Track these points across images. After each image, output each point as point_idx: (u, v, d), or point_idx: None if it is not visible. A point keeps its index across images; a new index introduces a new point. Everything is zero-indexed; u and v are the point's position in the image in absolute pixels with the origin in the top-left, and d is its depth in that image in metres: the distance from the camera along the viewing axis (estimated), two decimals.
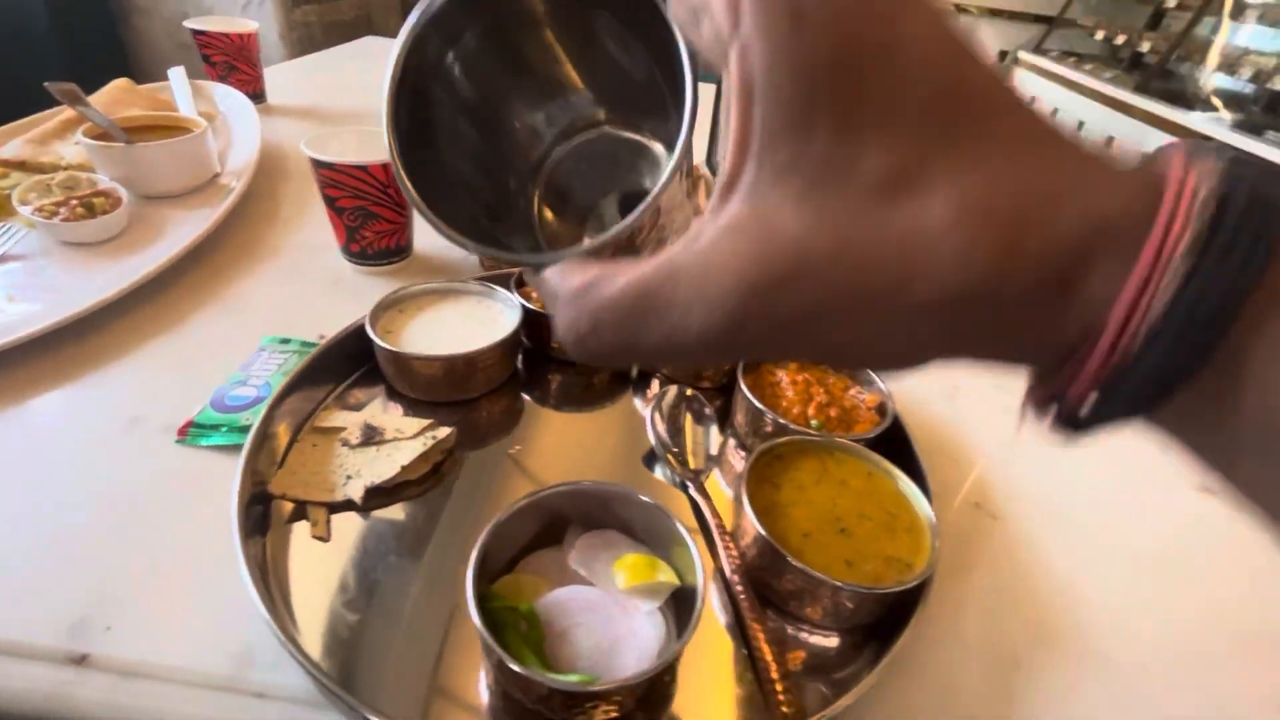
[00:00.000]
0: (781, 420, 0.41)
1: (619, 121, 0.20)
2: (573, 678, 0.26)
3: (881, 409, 0.44)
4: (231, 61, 0.88)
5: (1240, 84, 2.64)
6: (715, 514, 0.38)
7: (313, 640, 0.31)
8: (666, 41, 0.14)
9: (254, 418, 0.41)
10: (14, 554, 0.34)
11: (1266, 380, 0.11)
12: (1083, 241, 0.12)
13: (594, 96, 0.20)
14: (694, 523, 0.39)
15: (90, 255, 0.56)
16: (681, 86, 0.14)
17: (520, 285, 0.51)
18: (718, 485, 0.42)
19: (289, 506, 0.37)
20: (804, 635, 0.34)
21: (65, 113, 0.70)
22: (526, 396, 0.49)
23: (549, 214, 0.21)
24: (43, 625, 0.30)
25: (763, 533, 0.33)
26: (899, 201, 0.12)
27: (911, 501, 0.37)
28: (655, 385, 0.50)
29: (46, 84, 0.56)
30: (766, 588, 0.35)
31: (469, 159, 0.19)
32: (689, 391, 0.46)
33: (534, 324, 0.49)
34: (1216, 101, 2.71)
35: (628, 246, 0.16)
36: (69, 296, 0.50)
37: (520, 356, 0.51)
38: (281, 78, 1.12)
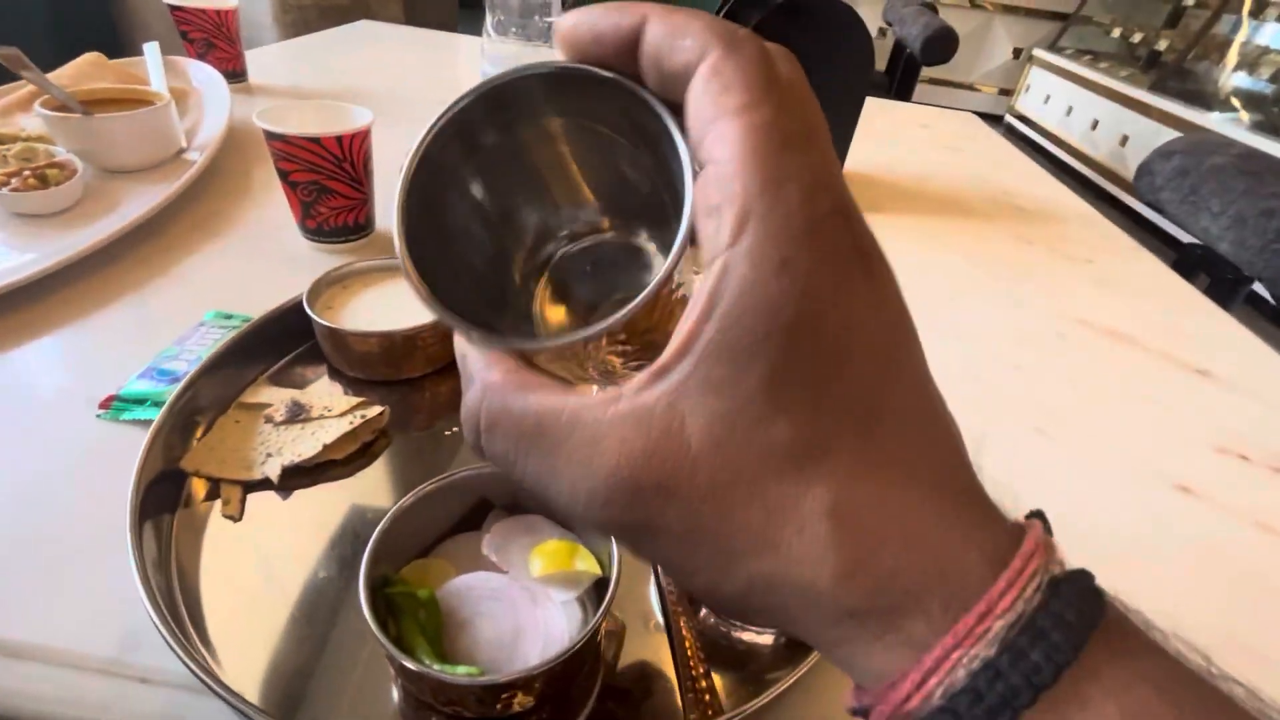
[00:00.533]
0: None
1: (624, 229, 0.21)
2: (460, 670, 0.24)
3: None
4: (210, 39, 0.86)
5: (1260, 84, 2.58)
6: None
7: (211, 625, 0.29)
8: (674, 169, 0.14)
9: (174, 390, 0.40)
10: None
11: None
12: (921, 590, 0.12)
13: (602, 206, 0.21)
14: None
15: (41, 226, 0.54)
16: (680, 209, 0.14)
17: None
18: None
19: (204, 485, 0.35)
20: (736, 632, 0.32)
21: (31, 86, 0.69)
22: None
23: (551, 308, 0.22)
24: None
25: None
26: (786, 474, 0.13)
27: None
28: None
29: None
30: None
31: (474, 251, 0.20)
32: None
33: None
34: (1235, 101, 2.65)
35: (643, 330, 0.15)
36: (14, 266, 0.49)
37: None
38: (269, 58, 1.11)
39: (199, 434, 0.37)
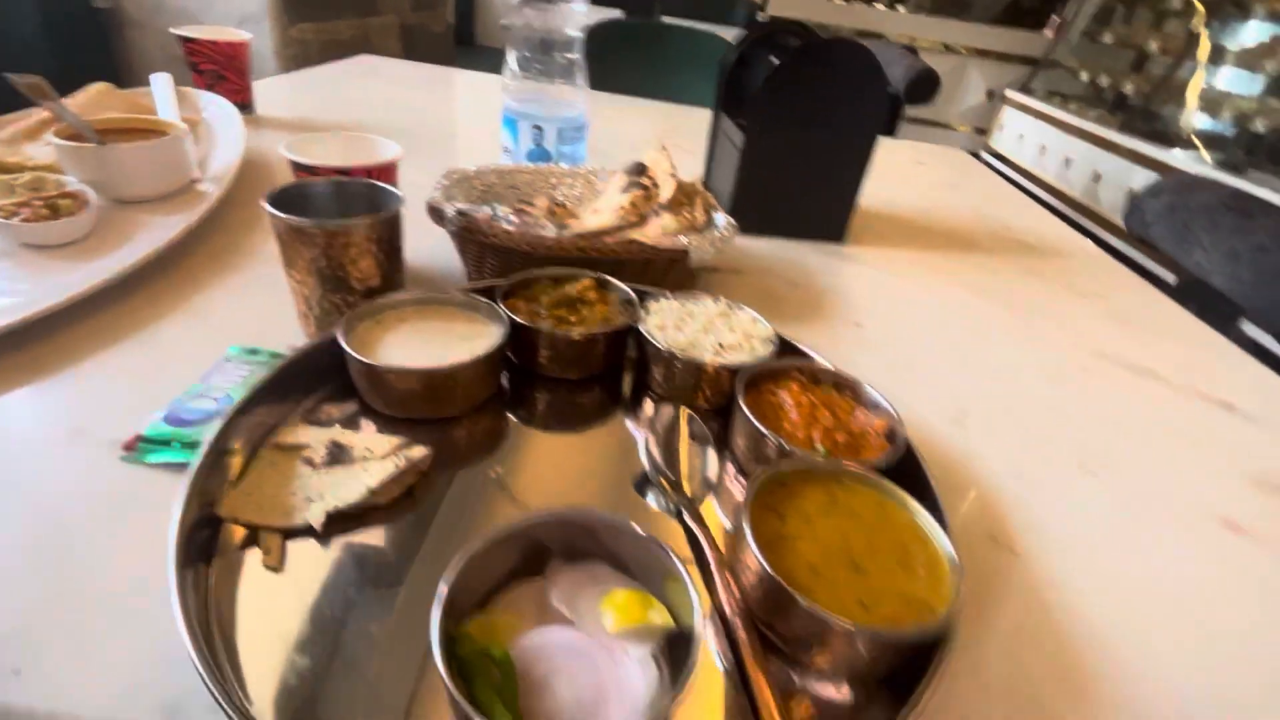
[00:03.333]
0: (786, 445, 0.38)
1: None
2: None
3: (891, 434, 0.41)
4: (220, 71, 0.86)
5: (1222, 125, 2.71)
6: (714, 546, 0.35)
7: (257, 689, 0.27)
8: None
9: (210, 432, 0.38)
10: None
11: None
12: None
13: None
14: (688, 554, 0.36)
15: (52, 258, 0.52)
16: None
17: (507, 298, 0.48)
18: (714, 514, 0.39)
19: (240, 531, 0.33)
20: (811, 683, 0.31)
21: (38, 115, 0.68)
22: (511, 416, 0.45)
23: None
24: None
25: (768, 569, 0.30)
26: None
27: (929, 535, 0.34)
28: (649, 406, 0.47)
29: (9, 75, 0.53)
30: (770, 629, 0.32)
31: None
32: (685, 412, 0.43)
33: (521, 339, 0.46)
34: (1197, 141, 2.77)
35: None
36: (26, 299, 0.47)
37: (506, 373, 0.48)
38: (273, 91, 1.11)
39: (233, 477, 0.35)
